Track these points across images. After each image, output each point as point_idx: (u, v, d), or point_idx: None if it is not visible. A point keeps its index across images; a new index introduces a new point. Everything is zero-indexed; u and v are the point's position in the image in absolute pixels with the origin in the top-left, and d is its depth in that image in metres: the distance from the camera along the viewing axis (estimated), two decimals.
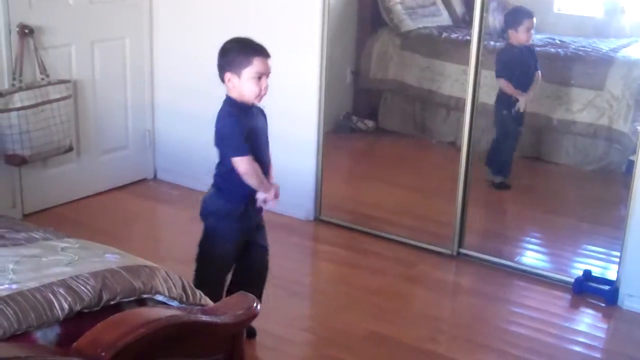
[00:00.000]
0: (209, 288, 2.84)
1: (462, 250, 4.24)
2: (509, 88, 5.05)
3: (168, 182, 5.09)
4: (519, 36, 5.02)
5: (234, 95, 3.03)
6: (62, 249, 2.44)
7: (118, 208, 4.69)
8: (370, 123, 6.12)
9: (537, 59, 5.21)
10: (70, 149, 4.47)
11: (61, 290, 2.11)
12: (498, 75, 5.12)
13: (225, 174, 3.09)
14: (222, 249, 3.13)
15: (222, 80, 3.04)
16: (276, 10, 4.46)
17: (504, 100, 5.09)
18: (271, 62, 3.08)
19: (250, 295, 2.36)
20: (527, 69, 5.12)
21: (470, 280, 4.08)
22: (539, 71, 5.18)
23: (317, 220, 4.60)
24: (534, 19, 5.08)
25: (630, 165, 3.85)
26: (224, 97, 3.09)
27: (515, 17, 5.17)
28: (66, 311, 2.08)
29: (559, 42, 5.87)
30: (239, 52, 3.02)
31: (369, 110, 6.19)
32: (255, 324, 2.32)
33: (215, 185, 3.16)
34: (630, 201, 3.69)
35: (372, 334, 3.42)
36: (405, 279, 3.97)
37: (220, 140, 3.05)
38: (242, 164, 3.00)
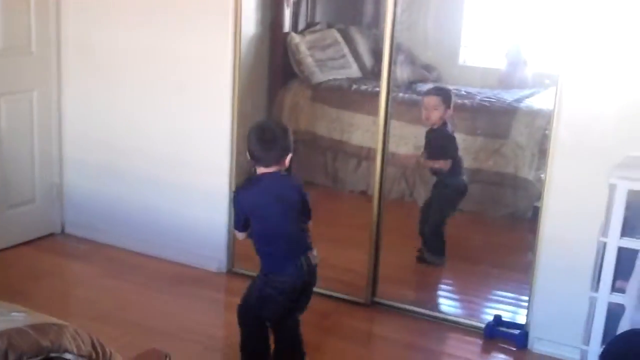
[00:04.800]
0: None
1: (376, 299, 4.26)
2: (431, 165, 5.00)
3: (76, 237, 4.98)
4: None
5: (282, 170, 3.26)
6: None
7: (25, 264, 4.56)
8: None
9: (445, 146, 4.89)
10: None
11: None
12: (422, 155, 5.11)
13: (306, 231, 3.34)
14: None
15: (279, 161, 3.22)
16: (187, 63, 4.46)
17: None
18: None
19: (162, 350, 2.32)
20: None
21: (384, 328, 4.10)
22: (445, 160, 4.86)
23: (230, 272, 4.57)
24: (436, 98, 4.76)
25: (536, 211, 3.95)
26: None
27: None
28: None
29: (464, 93, 6.03)
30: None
31: None
32: None
33: (309, 243, 3.33)
34: (536, 247, 3.79)
35: None
36: (320, 329, 3.96)
37: (307, 206, 3.32)
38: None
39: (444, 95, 4.85)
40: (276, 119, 3.50)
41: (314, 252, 3.29)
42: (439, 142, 4.86)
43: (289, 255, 3.22)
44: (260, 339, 3.33)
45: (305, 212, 3.30)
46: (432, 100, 4.78)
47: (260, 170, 3.23)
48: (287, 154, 3.22)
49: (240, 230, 3.31)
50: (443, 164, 4.85)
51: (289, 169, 3.30)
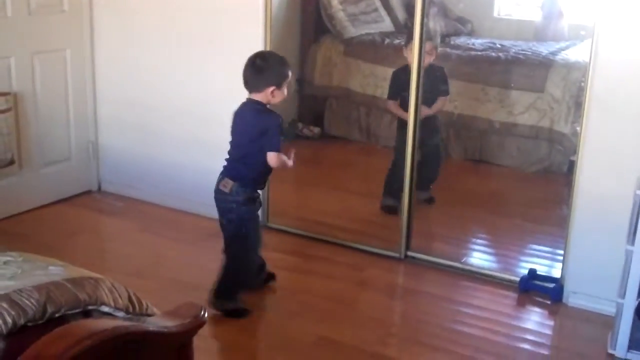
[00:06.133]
0: (248, 269, 3.61)
1: (410, 253, 4.27)
2: (395, 109, 4.78)
3: (112, 194, 5.04)
4: (408, 56, 4.39)
5: (264, 101, 3.41)
6: (5, 262, 2.39)
7: (62, 221, 4.63)
8: (315, 129, 6.15)
9: (444, 82, 4.88)
10: (11, 163, 4.40)
11: (4, 304, 2.07)
12: (388, 97, 4.91)
13: (252, 165, 3.45)
14: (256, 228, 3.59)
15: (261, 88, 3.38)
16: (218, 20, 4.45)
17: (401, 126, 4.53)
18: None
19: (198, 303, 2.34)
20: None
21: (418, 282, 4.11)
22: (444, 97, 4.91)
23: (265, 227, 4.59)
24: (429, 43, 4.50)
25: (572, 165, 3.92)
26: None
27: (408, 37, 4.69)
28: (10, 325, 2.04)
29: (499, 46, 5.96)
30: (285, 66, 3.44)
31: (314, 117, 6.21)
32: (205, 331, 2.30)
33: (239, 176, 3.47)
34: (572, 200, 3.76)
35: (321, 339, 3.43)
36: (354, 283, 3.99)
37: (263, 134, 3.39)
38: (278, 158, 3.41)
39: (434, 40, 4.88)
40: (274, 52, 3.77)
41: (232, 185, 3.46)
42: (438, 77, 4.80)
43: (225, 169, 3.53)
44: None
45: (265, 141, 3.39)
46: (427, 45, 4.46)
47: (249, 96, 3.44)
48: (270, 85, 3.36)
49: None
50: (442, 104, 4.90)
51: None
